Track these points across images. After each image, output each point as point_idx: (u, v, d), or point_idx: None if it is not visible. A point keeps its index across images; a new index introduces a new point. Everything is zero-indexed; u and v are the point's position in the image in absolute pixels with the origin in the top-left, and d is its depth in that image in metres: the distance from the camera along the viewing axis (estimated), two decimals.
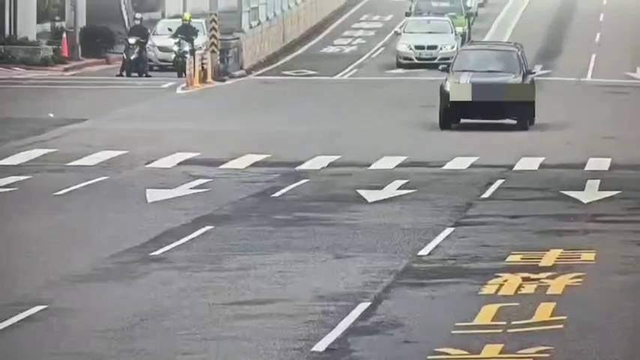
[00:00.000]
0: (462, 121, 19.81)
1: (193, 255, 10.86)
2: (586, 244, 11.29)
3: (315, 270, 10.22)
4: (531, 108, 20.01)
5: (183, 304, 9.13)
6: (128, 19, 33.48)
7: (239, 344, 8.10)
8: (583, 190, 14.31)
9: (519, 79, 20.00)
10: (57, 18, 32.36)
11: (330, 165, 16.34)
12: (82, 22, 31.76)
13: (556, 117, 21.88)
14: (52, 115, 20.60)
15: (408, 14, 33.42)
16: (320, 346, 8.04)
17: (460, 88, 19.71)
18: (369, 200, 13.53)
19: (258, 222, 12.35)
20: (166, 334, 8.39)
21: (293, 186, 14.54)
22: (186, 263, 10.51)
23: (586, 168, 16.18)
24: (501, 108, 19.68)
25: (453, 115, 19.85)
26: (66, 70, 29.63)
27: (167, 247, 11.13)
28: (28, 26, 30.63)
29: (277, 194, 14.03)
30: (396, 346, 8.09)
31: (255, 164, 16.33)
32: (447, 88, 19.95)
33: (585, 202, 13.61)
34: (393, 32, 34.24)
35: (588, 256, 10.77)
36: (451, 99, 19.68)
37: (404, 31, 31.37)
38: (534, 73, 21.72)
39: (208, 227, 12.02)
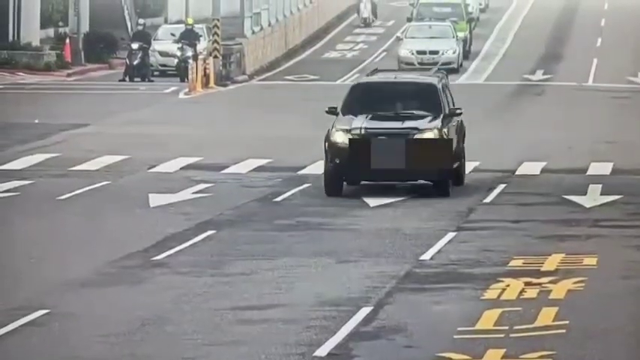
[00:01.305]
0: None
1: (195, 260, 10.88)
2: (588, 249, 11.29)
3: (317, 275, 10.24)
4: (453, 165, 13.85)
5: (185, 309, 9.14)
6: (131, 24, 33.59)
7: (241, 349, 8.12)
8: (585, 194, 14.30)
9: (437, 125, 13.68)
10: (60, 23, 32.47)
11: None
12: (85, 27, 31.88)
13: (558, 122, 21.90)
14: (37, 121, 20.48)
15: (409, 19, 33.42)
16: (322, 352, 8.06)
17: (347, 139, 13.57)
18: (371, 205, 13.53)
19: (260, 227, 12.37)
20: (168, 338, 8.40)
21: (295, 191, 14.54)
22: (188, 268, 10.52)
23: (588, 173, 16.16)
24: (407, 168, 13.52)
25: (341, 176, 13.65)
26: (69, 75, 29.69)
27: (169, 252, 11.15)
28: (32, 32, 30.69)
29: (279, 199, 14.04)
30: (398, 351, 8.10)
31: (257, 169, 16.36)
32: (333, 138, 13.68)
33: (587, 206, 13.60)
34: (394, 37, 34.29)
35: (590, 260, 10.77)
36: (336, 157, 13.56)
37: (405, 37, 31.35)
38: (460, 113, 14.35)
39: (210, 232, 12.05)
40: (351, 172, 13.71)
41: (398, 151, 13.44)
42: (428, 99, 14.13)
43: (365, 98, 14.14)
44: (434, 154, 13.53)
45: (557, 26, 38.78)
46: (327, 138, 13.88)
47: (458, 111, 14.46)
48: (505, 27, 38.76)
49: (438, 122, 13.89)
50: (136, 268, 10.59)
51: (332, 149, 13.77)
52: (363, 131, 13.69)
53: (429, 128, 13.79)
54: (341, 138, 13.72)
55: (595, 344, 8.21)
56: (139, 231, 12.10)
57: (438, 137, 13.73)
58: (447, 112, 14.17)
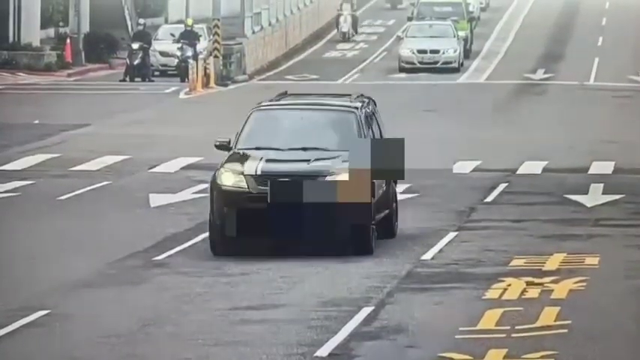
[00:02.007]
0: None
1: (196, 260, 10.86)
2: (590, 249, 11.26)
3: (318, 275, 10.21)
4: (375, 215, 10.66)
5: (185, 310, 9.13)
6: (131, 24, 33.61)
7: (242, 349, 8.11)
8: (586, 194, 14.27)
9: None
10: (60, 24, 32.48)
11: None
12: (85, 27, 31.87)
13: (559, 121, 21.87)
14: (37, 121, 20.43)
15: (410, 19, 33.36)
16: (323, 352, 8.05)
17: (241, 182, 10.44)
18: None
19: None
20: (169, 339, 8.39)
21: None
22: (188, 268, 10.50)
23: (589, 172, 16.12)
24: (315, 218, 10.38)
25: (229, 227, 10.46)
26: (69, 75, 29.70)
27: (170, 252, 11.14)
28: (32, 32, 30.70)
29: None
30: (399, 352, 8.08)
31: None
32: (220, 181, 10.56)
33: (589, 206, 13.57)
34: (395, 37, 34.18)
35: (592, 260, 10.74)
36: (227, 204, 10.40)
37: (406, 36, 31.29)
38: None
39: None
40: (246, 224, 10.29)
41: (300, 196, 10.24)
42: (345, 131, 10.79)
43: (265, 129, 10.83)
44: (350, 193, 10.30)
45: (558, 25, 38.74)
46: (213, 180, 10.52)
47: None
48: (506, 26, 38.71)
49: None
50: (137, 268, 10.57)
51: (219, 195, 10.37)
52: (258, 173, 10.34)
53: (343, 169, 10.37)
54: (231, 180, 10.36)
55: (597, 344, 8.19)
56: (140, 231, 12.08)
57: (352, 179, 10.29)
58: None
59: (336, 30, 35.88)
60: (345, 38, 35.26)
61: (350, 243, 10.63)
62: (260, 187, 10.48)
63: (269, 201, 10.38)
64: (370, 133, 11.23)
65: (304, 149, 10.81)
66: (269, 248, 11.12)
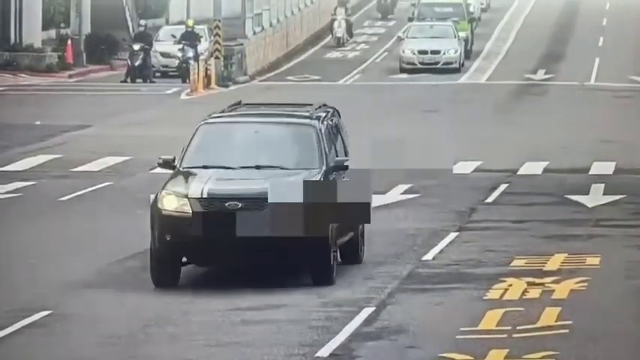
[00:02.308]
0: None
1: None
2: (591, 249, 11.25)
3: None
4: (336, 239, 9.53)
5: (187, 310, 9.12)
6: (132, 25, 33.61)
7: (243, 350, 8.11)
8: (587, 194, 14.27)
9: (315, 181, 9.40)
10: (62, 25, 32.50)
11: None
12: (86, 29, 31.92)
13: (560, 121, 21.79)
14: (38, 122, 20.44)
15: (410, 19, 33.35)
16: (324, 352, 8.05)
17: (185, 207, 9.24)
18: (373, 205, 13.59)
19: None
20: (170, 340, 8.39)
21: None
22: (189, 269, 10.44)
23: (590, 172, 16.11)
24: (268, 247, 9.27)
25: (175, 257, 9.38)
26: (71, 76, 29.70)
27: None
28: (34, 33, 30.74)
29: None
30: (400, 352, 8.09)
31: None
32: (162, 205, 9.38)
33: (590, 206, 13.57)
34: (396, 37, 34.12)
35: (593, 260, 10.74)
36: (169, 231, 9.26)
37: (407, 37, 31.28)
38: (346, 165, 9.88)
39: None
40: (192, 253, 9.15)
41: (256, 219, 9.04)
42: (303, 147, 9.58)
43: (214, 145, 9.55)
44: (308, 216, 9.09)
45: (558, 25, 38.72)
46: (154, 204, 9.30)
47: (345, 162, 9.79)
48: (507, 26, 38.70)
49: (317, 176, 9.44)
50: (138, 269, 10.56)
51: (161, 221, 9.19)
52: (204, 196, 9.09)
53: (298, 193, 9.15)
54: (173, 204, 9.13)
55: (598, 344, 8.19)
56: (141, 232, 11.95)
57: (308, 202, 9.16)
58: (330, 164, 9.61)
59: (330, 35, 34.96)
60: (339, 43, 34.32)
61: (307, 268, 9.40)
62: (205, 210, 9.09)
63: (202, 234, 8.93)
64: (332, 150, 9.80)
65: (258, 168, 9.49)
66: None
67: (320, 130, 9.85)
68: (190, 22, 29.85)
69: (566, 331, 8.44)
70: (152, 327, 8.73)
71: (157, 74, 29.32)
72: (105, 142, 19.02)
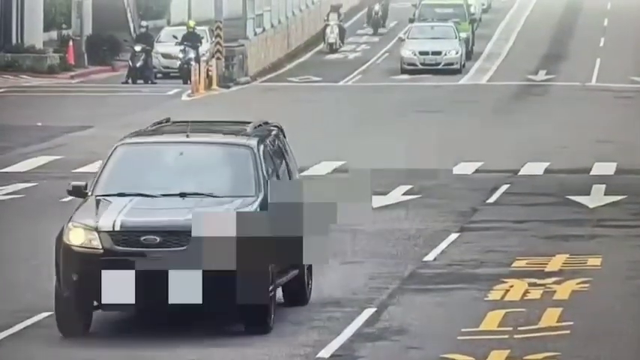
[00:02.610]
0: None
1: None
2: (592, 249, 11.25)
3: (320, 276, 10.12)
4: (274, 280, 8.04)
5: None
6: (134, 26, 33.63)
7: (245, 350, 8.09)
8: (589, 195, 14.25)
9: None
10: (63, 26, 32.47)
11: (335, 171, 16.34)
12: (88, 30, 31.92)
13: (561, 122, 21.76)
14: (40, 123, 20.44)
15: (411, 20, 33.29)
16: (325, 353, 8.04)
17: (94, 241, 7.91)
18: (374, 206, 13.44)
19: None
20: (171, 340, 8.37)
21: None
22: None
23: (591, 173, 16.10)
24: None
25: (85, 301, 7.99)
26: (72, 77, 29.72)
27: None
28: (35, 34, 30.76)
29: None
30: (401, 353, 8.08)
31: None
32: (68, 239, 8.02)
33: (591, 207, 13.56)
34: (397, 38, 34.08)
35: (594, 261, 10.74)
36: (76, 270, 7.94)
37: (408, 37, 31.29)
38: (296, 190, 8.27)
39: None
40: (89, 297, 7.68)
41: (161, 259, 7.62)
42: (236, 171, 8.08)
43: (132, 170, 8.13)
44: (230, 257, 7.65)
45: (560, 26, 38.68)
46: (59, 238, 7.94)
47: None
48: (508, 27, 38.66)
49: (252, 206, 7.93)
50: None
51: (67, 258, 7.82)
52: (117, 228, 7.73)
53: (229, 227, 7.65)
54: (81, 239, 7.75)
55: (599, 345, 8.18)
56: None
57: (242, 236, 7.63)
58: (267, 193, 8.07)
59: (323, 42, 33.74)
60: (331, 49, 33.33)
61: (242, 319, 7.90)
62: (118, 247, 7.63)
63: (135, 265, 7.46)
64: (273, 174, 8.30)
65: (182, 196, 7.90)
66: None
67: (257, 151, 8.22)
68: (192, 23, 29.86)
69: (568, 331, 8.43)
70: (153, 327, 8.72)
71: (159, 75, 29.32)
72: (106, 143, 18.87)
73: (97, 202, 8.06)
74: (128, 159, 8.29)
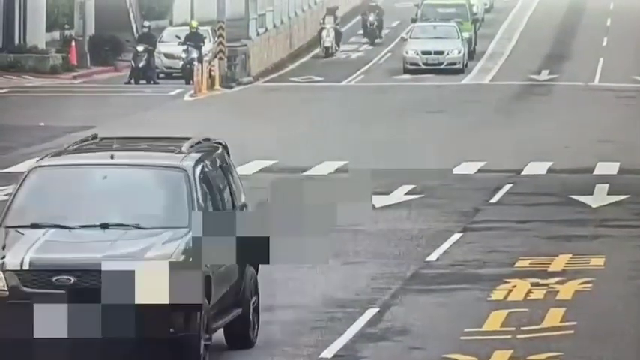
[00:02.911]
0: None
1: None
2: (595, 249, 11.23)
3: (322, 276, 10.19)
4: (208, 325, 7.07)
5: None
6: (136, 27, 33.61)
7: (247, 351, 8.08)
8: (591, 194, 14.22)
9: (173, 250, 6.92)
10: (66, 27, 32.56)
11: (338, 170, 16.33)
12: (90, 30, 31.91)
13: (564, 122, 21.75)
14: (42, 123, 20.43)
15: (414, 20, 33.22)
16: (328, 353, 8.04)
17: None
18: (377, 206, 13.46)
19: None
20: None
21: None
22: None
23: (594, 172, 16.08)
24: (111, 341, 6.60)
25: None
26: (75, 77, 29.75)
27: None
28: (38, 35, 30.78)
29: None
30: (404, 353, 8.07)
31: (263, 170, 16.32)
32: None
33: (594, 206, 13.55)
34: (399, 38, 33.99)
35: (597, 261, 10.73)
36: None
37: (410, 37, 31.24)
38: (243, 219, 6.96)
39: None
40: (9, 345, 6.58)
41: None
42: (167, 198, 7.00)
43: (47, 197, 7.06)
44: (156, 294, 6.54)
45: (562, 26, 38.64)
46: None
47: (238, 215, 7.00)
48: (510, 27, 38.59)
49: (177, 245, 6.76)
50: None
51: None
52: (26, 266, 6.70)
53: (156, 257, 6.68)
54: None
55: (602, 345, 8.17)
56: None
57: (170, 274, 6.55)
58: (210, 223, 6.90)
59: (319, 45, 32.79)
60: (327, 53, 32.46)
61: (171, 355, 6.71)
62: (27, 288, 6.52)
63: (34, 311, 6.34)
64: (215, 200, 7.16)
65: (104, 227, 6.83)
66: None
67: (193, 175, 7.04)
68: (194, 24, 29.86)
69: (571, 331, 8.42)
70: None
71: (161, 75, 29.31)
72: None
73: (6, 234, 6.86)
74: (44, 184, 7.07)
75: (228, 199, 7.45)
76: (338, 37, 33.50)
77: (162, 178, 7.10)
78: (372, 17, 34.72)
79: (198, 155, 7.39)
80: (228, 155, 7.72)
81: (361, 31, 36.23)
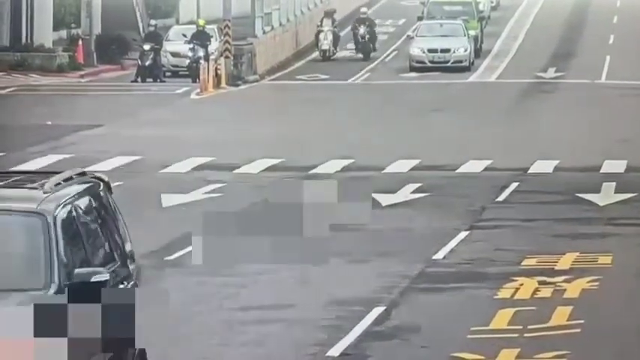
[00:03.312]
0: None
1: (208, 259, 10.91)
2: (602, 248, 11.19)
3: (329, 275, 10.17)
4: None
5: (198, 309, 9.13)
6: (142, 25, 33.61)
7: (254, 349, 8.11)
8: (599, 192, 14.17)
9: (17, 315, 4.93)
10: (73, 25, 32.53)
11: (344, 169, 16.32)
12: (97, 29, 31.90)
13: (571, 119, 21.67)
14: (49, 122, 20.46)
15: (420, 18, 33.00)
16: (335, 352, 8.03)
17: None
18: (383, 204, 13.45)
19: None
20: (182, 339, 8.38)
21: None
22: (201, 268, 10.44)
23: (601, 170, 16.01)
24: None
25: None
26: (82, 76, 29.73)
27: (182, 252, 11.12)
28: (45, 34, 30.78)
29: None
30: (411, 351, 8.05)
31: (269, 168, 16.32)
32: None
33: (601, 204, 13.49)
34: (405, 36, 33.75)
35: (605, 259, 10.68)
36: None
37: (417, 35, 31.06)
38: (99, 281, 5.19)
39: None
40: None
41: None
42: (21, 253, 5.56)
43: None
44: None
45: (569, 23, 38.47)
46: None
47: (100, 278, 5.43)
48: (517, 25, 38.46)
49: (20, 312, 5.24)
50: (149, 268, 10.49)
51: None
52: None
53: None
54: None
55: (610, 344, 8.14)
56: (152, 231, 12.06)
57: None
58: (72, 280, 5.49)
59: (316, 49, 31.32)
60: (325, 57, 31.01)
61: None
62: None
63: None
64: (78, 254, 5.62)
65: None
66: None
67: (55, 221, 5.48)
68: (201, 22, 29.74)
69: (578, 330, 8.39)
70: (164, 326, 8.74)
71: (167, 74, 29.28)
72: (116, 142, 19.01)
73: None
74: None
75: (106, 251, 5.84)
76: (336, 40, 32.14)
77: (14, 225, 5.41)
78: (362, 30, 32.72)
79: (65, 195, 5.66)
80: (111, 193, 6.26)
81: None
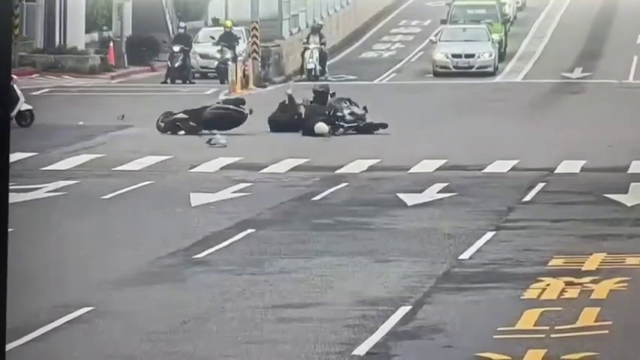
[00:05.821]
0: None
1: (235, 258, 10.90)
2: (630, 249, 11.07)
3: (355, 274, 10.19)
4: None
5: (225, 307, 9.17)
6: (172, 27, 33.83)
7: (280, 347, 8.13)
8: (626, 193, 14.04)
9: None
10: (104, 28, 32.84)
11: (370, 169, 16.30)
12: (128, 31, 32.21)
13: (598, 119, 21.51)
14: (81, 122, 20.69)
15: (443, 21, 32.41)
16: (360, 350, 8.04)
17: None
18: (409, 204, 13.46)
19: (298, 226, 12.35)
20: (209, 336, 8.42)
21: (332, 190, 14.51)
22: (228, 266, 10.54)
23: (629, 171, 15.87)
24: None
25: None
26: (113, 77, 30.04)
27: (210, 250, 11.19)
28: (77, 36, 31.14)
29: (317, 198, 14.01)
30: (437, 351, 8.03)
31: (296, 168, 16.36)
32: None
33: (629, 205, 13.36)
34: (428, 40, 33.30)
35: (633, 260, 10.57)
36: None
37: (439, 40, 30.47)
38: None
39: (250, 231, 12.07)
40: None
41: None
42: None
43: None
44: None
45: (595, 23, 37.99)
46: None
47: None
48: (543, 25, 38.07)
49: None
50: (178, 266, 10.63)
51: None
52: None
53: None
54: None
55: (638, 345, 8.09)
56: (181, 230, 12.13)
57: None
58: None
59: (300, 69, 28.13)
60: (310, 77, 27.47)
61: None
62: None
63: None
64: None
65: None
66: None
67: None
68: (228, 23, 29.78)
69: (606, 331, 8.34)
70: (191, 323, 8.79)
71: (196, 75, 29.47)
72: (146, 142, 19.11)
73: None
74: None
75: None
76: (323, 58, 28.69)
77: None
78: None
79: None
80: None
81: (394, 29, 35.36)
